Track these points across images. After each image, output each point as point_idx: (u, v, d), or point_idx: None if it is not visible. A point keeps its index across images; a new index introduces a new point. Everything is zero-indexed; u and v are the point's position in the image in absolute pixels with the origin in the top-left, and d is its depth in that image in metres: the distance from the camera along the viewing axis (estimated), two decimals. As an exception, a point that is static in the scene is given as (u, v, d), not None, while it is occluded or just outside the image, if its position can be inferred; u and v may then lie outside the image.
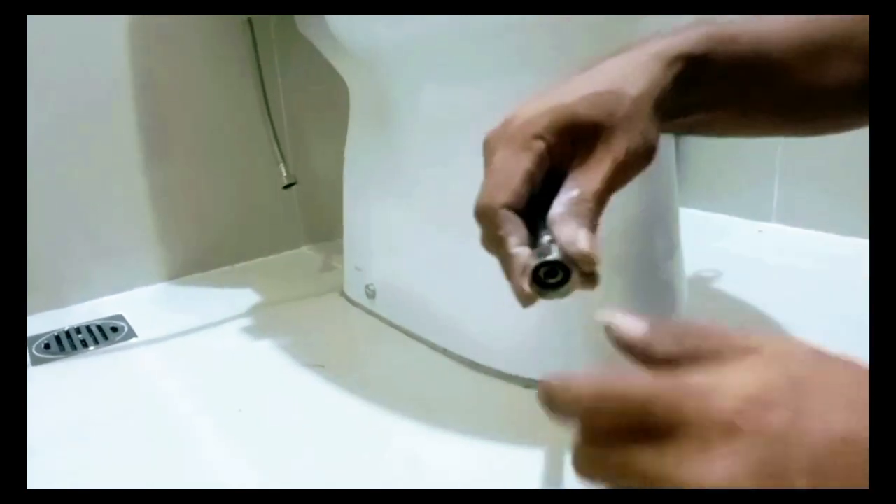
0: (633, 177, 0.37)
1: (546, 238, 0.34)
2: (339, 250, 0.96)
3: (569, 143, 0.36)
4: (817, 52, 0.40)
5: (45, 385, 0.78)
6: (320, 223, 1.15)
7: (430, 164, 0.76)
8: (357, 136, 0.89)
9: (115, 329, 0.91)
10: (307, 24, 0.89)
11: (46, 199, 0.93)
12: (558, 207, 0.35)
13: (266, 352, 0.82)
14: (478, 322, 0.75)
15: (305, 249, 1.16)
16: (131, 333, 0.89)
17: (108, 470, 0.63)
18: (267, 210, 1.11)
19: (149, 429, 0.69)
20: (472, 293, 0.74)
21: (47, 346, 0.87)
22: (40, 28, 0.88)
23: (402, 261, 0.83)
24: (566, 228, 0.34)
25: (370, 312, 0.89)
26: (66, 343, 0.87)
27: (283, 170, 1.00)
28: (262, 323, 0.90)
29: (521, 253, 0.35)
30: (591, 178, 0.35)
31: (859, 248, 0.99)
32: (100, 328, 0.91)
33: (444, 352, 0.78)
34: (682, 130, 0.43)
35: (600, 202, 0.35)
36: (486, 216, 0.36)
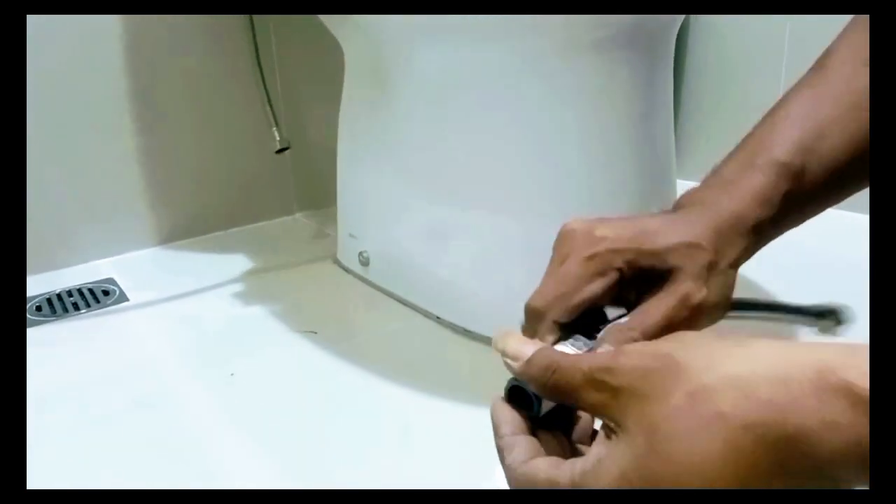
0: (702, 326, 0.37)
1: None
2: (333, 217, 0.96)
3: (643, 279, 0.37)
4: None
5: (36, 347, 0.77)
6: (314, 189, 1.14)
7: (424, 130, 0.76)
8: (352, 100, 0.88)
9: (106, 292, 0.90)
10: (302, -15, 0.87)
11: (39, 162, 0.92)
12: (603, 333, 0.36)
13: (258, 317, 0.82)
14: (471, 290, 0.75)
15: (299, 216, 1.15)
16: (123, 297, 0.89)
17: (98, 433, 0.63)
18: (260, 175, 1.10)
19: (140, 392, 0.68)
20: (466, 261, 0.74)
21: (39, 308, 0.86)
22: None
23: (396, 228, 0.83)
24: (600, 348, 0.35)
25: (363, 280, 0.89)
26: (58, 305, 0.87)
27: (276, 134, 0.99)
28: (254, 289, 0.90)
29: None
30: (650, 315, 0.36)
31: (858, 222, 0.99)
32: (91, 291, 0.91)
33: (437, 319, 0.78)
34: None
35: (647, 338, 0.36)
36: (534, 318, 0.38)
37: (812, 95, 0.41)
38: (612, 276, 0.37)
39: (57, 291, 0.91)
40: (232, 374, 0.70)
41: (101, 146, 0.97)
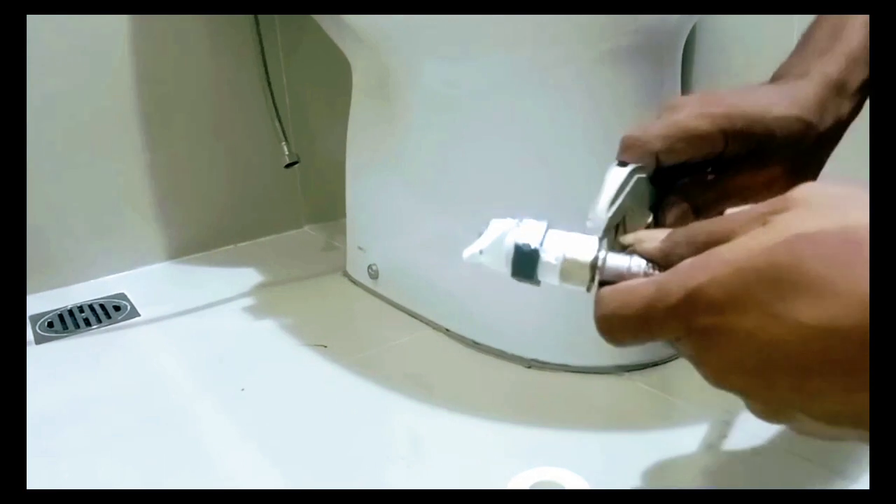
0: None
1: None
2: (342, 230, 0.96)
3: (742, 149, 0.36)
4: None
5: (48, 363, 0.78)
6: (323, 203, 1.14)
7: (432, 143, 0.76)
8: (359, 114, 0.89)
9: (117, 308, 0.91)
10: (309, 0, 0.88)
11: (48, 178, 0.93)
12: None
13: (268, 331, 0.82)
14: (480, 302, 0.75)
15: (308, 229, 1.15)
16: (134, 312, 0.89)
17: (110, 449, 0.63)
18: (269, 189, 1.10)
19: (151, 408, 0.69)
20: (475, 273, 0.74)
21: (50, 325, 0.87)
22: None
23: (405, 241, 0.83)
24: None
25: (373, 293, 0.89)
26: (70, 322, 0.87)
27: (285, 148, 0.99)
28: (264, 303, 0.90)
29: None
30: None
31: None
32: (102, 307, 0.91)
33: (447, 332, 0.78)
34: None
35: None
36: (630, 147, 0.36)
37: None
38: (719, 140, 0.36)
39: (68, 308, 0.91)
40: (243, 389, 0.70)
41: (110, 162, 0.98)
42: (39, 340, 0.83)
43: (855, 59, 0.39)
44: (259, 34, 0.98)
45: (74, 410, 0.69)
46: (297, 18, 1.04)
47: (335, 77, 0.96)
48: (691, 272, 0.27)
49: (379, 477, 0.57)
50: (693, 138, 0.35)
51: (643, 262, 0.30)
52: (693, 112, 0.36)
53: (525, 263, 0.33)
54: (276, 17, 1.05)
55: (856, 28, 0.39)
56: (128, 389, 0.72)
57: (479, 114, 0.70)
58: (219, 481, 0.58)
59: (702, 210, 0.37)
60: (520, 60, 0.65)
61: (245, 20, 0.99)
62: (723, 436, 0.59)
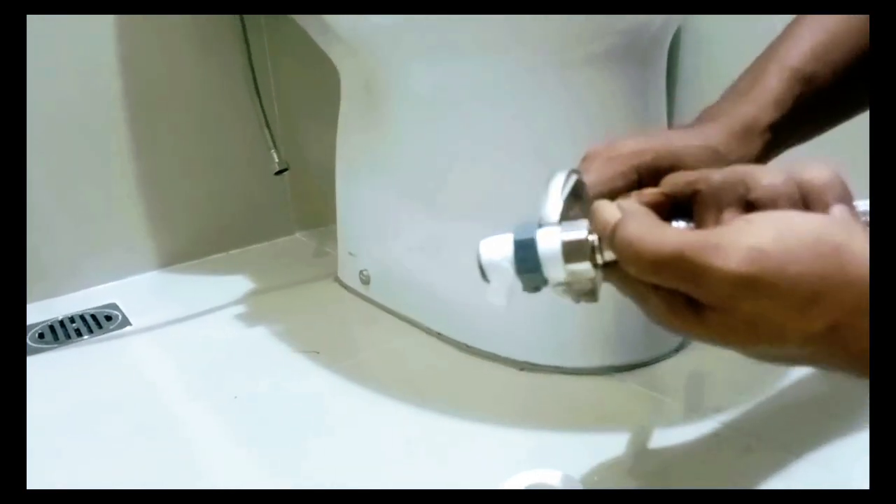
0: None
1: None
2: (333, 236, 0.96)
3: (655, 178, 0.39)
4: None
5: (39, 374, 0.77)
6: (313, 209, 1.14)
7: (421, 147, 0.76)
8: (348, 120, 0.89)
9: (108, 318, 0.90)
10: (296, 7, 0.88)
11: (38, 189, 0.93)
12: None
13: (260, 339, 0.82)
14: (471, 305, 0.75)
15: (299, 236, 1.15)
16: (125, 322, 0.89)
17: (104, 459, 0.63)
18: (259, 196, 1.10)
19: (144, 417, 0.69)
20: (466, 277, 0.74)
21: (41, 336, 0.87)
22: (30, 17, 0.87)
23: (396, 245, 0.83)
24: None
25: (364, 298, 0.89)
26: (60, 332, 0.87)
27: (274, 156, 0.99)
28: (256, 310, 0.90)
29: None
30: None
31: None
32: (94, 317, 0.91)
33: (439, 336, 0.78)
34: None
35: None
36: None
37: (817, 18, 0.44)
38: (632, 179, 0.38)
39: (59, 318, 0.91)
40: (236, 397, 0.70)
41: (99, 172, 0.98)
42: (31, 352, 0.83)
43: (767, 102, 0.41)
44: (247, 41, 0.99)
45: (66, 421, 0.68)
46: (284, 24, 1.04)
47: (323, 83, 0.96)
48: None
49: (372, 480, 0.57)
50: (608, 184, 0.39)
51: None
52: (602, 161, 0.39)
53: (526, 255, 0.34)
54: (264, 23, 1.05)
55: (773, 74, 0.42)
56: (121, 398, 0.72)
57: (467, 116, 0.70)
58: (212, 485, 0.58)
59: None
60: (506, 62, 0.65)
61: (232, 27, 0.99)
62: (716, 435, 0.59)
